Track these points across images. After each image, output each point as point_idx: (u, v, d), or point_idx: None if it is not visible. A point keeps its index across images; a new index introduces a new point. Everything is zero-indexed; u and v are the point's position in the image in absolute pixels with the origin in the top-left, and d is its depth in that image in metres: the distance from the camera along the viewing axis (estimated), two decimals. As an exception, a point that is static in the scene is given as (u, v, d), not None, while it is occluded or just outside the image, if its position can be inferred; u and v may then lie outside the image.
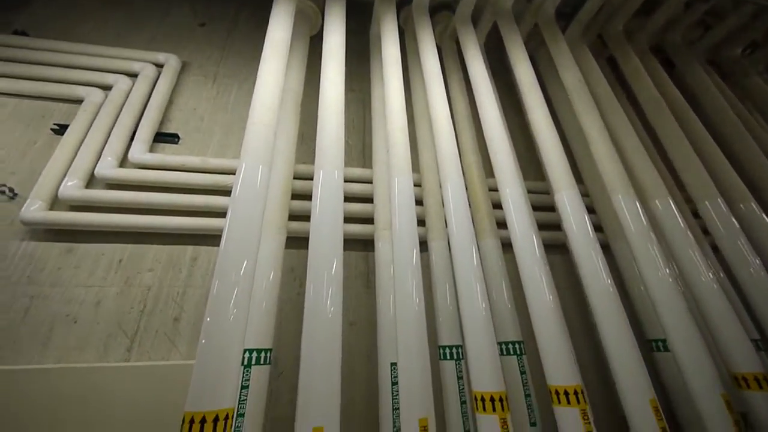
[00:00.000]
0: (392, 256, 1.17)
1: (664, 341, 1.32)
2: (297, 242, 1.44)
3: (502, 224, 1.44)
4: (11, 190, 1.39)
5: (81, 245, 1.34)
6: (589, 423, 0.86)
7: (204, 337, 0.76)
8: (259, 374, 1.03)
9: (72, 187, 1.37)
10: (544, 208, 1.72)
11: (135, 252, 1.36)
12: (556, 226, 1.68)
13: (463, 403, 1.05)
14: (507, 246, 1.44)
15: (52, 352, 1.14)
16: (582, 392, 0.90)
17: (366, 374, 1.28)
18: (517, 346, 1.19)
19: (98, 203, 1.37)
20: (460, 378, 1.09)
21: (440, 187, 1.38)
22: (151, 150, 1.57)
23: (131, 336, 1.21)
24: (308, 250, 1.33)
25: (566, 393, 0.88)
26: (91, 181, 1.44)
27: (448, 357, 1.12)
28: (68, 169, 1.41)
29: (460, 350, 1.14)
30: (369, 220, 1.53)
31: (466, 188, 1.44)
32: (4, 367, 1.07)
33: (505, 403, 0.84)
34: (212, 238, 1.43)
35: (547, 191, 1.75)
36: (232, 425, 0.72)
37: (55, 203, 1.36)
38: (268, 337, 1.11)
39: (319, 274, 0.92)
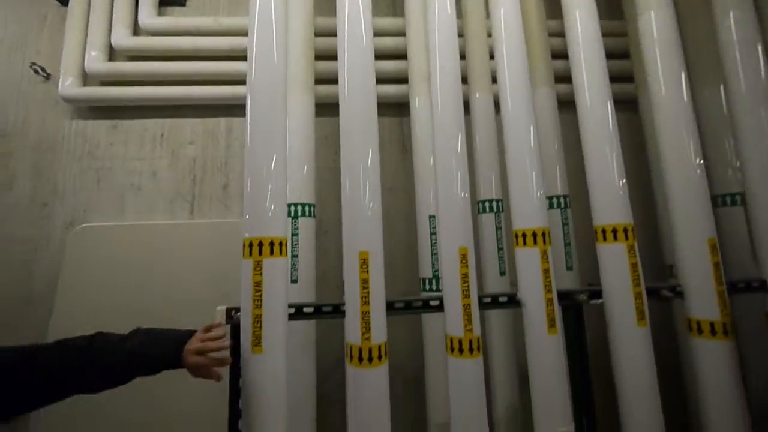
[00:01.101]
0: (431, 110, 1.06)
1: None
2: (328, 109, 1.36)
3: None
4: (43, 69, 1.38)
5: (124, 121, 1.38)
6: (635, 256, 0.85)
7: (249, 179, 0.79)
8: (306, 225, 1.11)
9: (95, 60, 1.33)
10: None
11: (174, 126, 1.38)
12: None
13: (500, 249, 1.09)
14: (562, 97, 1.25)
15: (129, 215, 1.31)
16: (632, 230, 0.87)
17: (404, 234, 1.35)
18: (562, 200, 1.15)
19: (125, 76, 1.34)
20: (498, 228, 1.10)
21: (487, 19, 1.14)
22: (159, 14, 1.43)
23: (190, 201, 1.33)
24: (339, 115, 1.27)
25: (614, 231, 0.86)
26: (112, 54, 1.39)
27: (488, 210, 1.11)
28: (86, 41, 1.35)
29: (500, 204, 1.12)
30: (402, 80, 1.37)
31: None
32: (95, 224, 1.25)
33: (547, 237, 0.84)
34: (241, 108, 1.39)
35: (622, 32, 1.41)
36: (287, 252, 0.80)
37: (87, 79, 1.35)
38: (310, 195, 1.15)
39: (353, 142, 0.84)
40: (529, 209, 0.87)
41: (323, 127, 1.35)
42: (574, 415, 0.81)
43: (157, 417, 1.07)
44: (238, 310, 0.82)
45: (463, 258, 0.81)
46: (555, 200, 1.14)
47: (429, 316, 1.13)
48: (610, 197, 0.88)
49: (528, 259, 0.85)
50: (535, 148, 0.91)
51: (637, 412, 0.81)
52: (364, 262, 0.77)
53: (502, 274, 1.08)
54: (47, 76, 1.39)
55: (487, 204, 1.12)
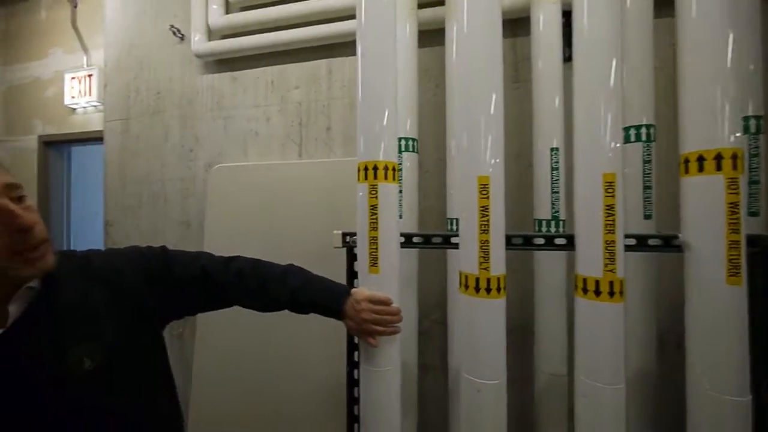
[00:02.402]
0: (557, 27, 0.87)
1: None
2: (429, 37, 1.25)
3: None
4: (178, 30, 1.58)
5: (241, 72, 1.51)
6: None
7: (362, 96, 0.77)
8: (410, 161, 1.08)
9: (216, 13, 1.46)
10: None
11: (280, 72, 1.45)
12: None
13: (647, 187, 0.88)
14: None
15: (250, 156, 1.47)
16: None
17: (513, 173, 1.20)
18: (645, 130, 0.87)
19: (240, 26, 1.45)
20: (646, 161, 0.88)
21: None
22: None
23: (298, 143, 1.42)
24: (445, 44, 1.15)
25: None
26: (228, 7, 1.50)
27: (634, 139, 0.90)
28: (208, -3, 1.48)
29: (651, 131, 0.89)
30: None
31: None
32: (226, 164, 1.45)
33: (739, 161, 0.62)
34: (340, 48, 1.38)
35: None
36: (396, 177, 0.78)
37: (210, 34, 1.50)
38: (413, 130, 1.10)
39: (473, 83, 0.72)
40: (709, 125, 0.65)
41: (423, 59, 1.25)
42: (753, 385, 0.64)
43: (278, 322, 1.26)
44: (351, 234, 0.85)
45: (609, 187, 0.67)
46: (636, 131, 0.87)
47: (541, 259, 1.02)
48: None
49: (703, 189, 0.66)
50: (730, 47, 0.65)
51: None
52: (483, 188, 0.70)
53: (647, 217, 0.88)
54: (182, 37, 1.59)
55: (633, 131, 0.90)
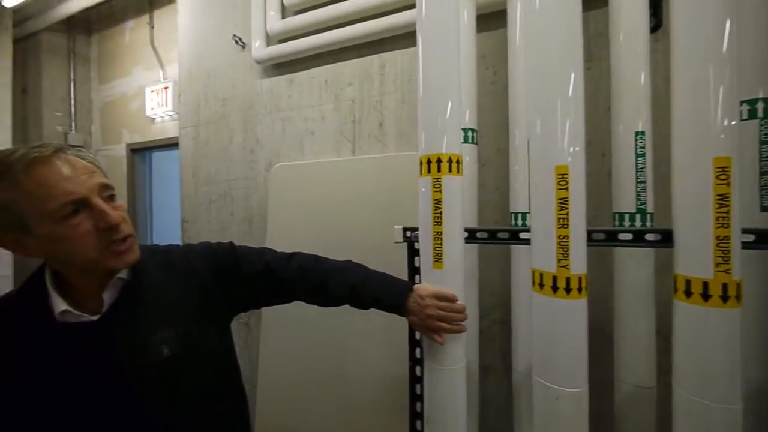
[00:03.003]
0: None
1: None
2: (486, 21, 1.18)
3: None
4: (240, 39, 1.69)
5: (296, 74, 1.57)
6: None
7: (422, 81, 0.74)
8: (469, 152, 1.03)
9: (273, 19, 1.53)
10: None
11: (334, 71, 1.48)
12: None
13: (764, 173, 0.74)
14: None
15: (306, 155, 1.53)
16: None
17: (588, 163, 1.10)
18: (762, 105, 0.69)
19: (295, 30, 1.50)
20: (764, 142, 0.74)
21: None
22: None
23: (351, 140, 1.44)
24: (507, 25, 1.08)
25: None
26: (284, 12, 1.56)
27: (746, 116, 0.75)
28: (266, 5, 1.56)
29: (771, 105, 0.74)
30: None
31: None
32: (285, 163, 1.52)
33: None
34: (392, 41, 1.36)
35: None
36: (460, 169, 0.74)
37: (269, 39, 1.58)
38: (472, 119, 1.05)
39: (548, 61, 0.66)
40: None
41: (480, 45, 1.18)
42: None
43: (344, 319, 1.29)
44: (412, 229, 0.84)
45: (722, 173, 0.57)
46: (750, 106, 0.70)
47: (623, 258, 0.91)
48: None
49: None
50: None
51: None
52: (562, 178, 0.63)
53: (765, 209, 0.74)
54: (243, 45, 1.70)
55: (746, 107, 0.76)
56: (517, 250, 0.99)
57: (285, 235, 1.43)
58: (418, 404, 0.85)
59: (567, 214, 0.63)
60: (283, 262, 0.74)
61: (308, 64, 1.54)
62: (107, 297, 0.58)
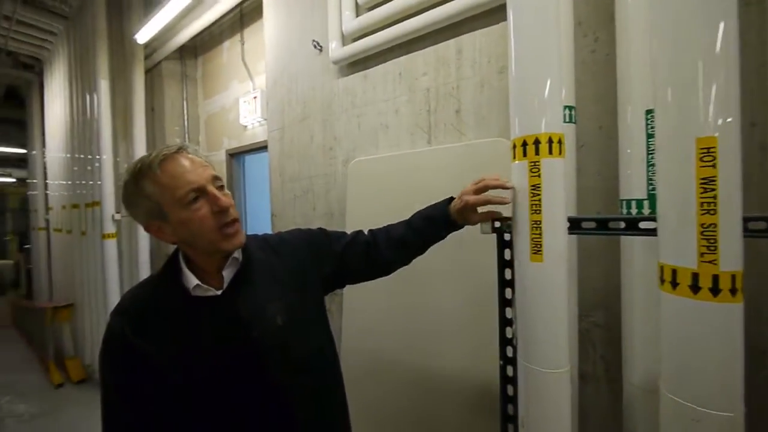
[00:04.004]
0: None
1: None
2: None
3: None
4: (318, 43, 1.79)
5: (370, 70, 1.60)
6: None
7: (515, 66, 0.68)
8: (567, 133, 0.91)
9: (348, 19, 1.57)
10: None
11: (407, 62, 1.47)
12: None
13: None
14: None
15: (381, 149, 1.55)
16: None
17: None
18: None
19: (370, 26, 1.52)
20: None
21: None
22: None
23: (427, 131, 1.41)
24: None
25: None
26: (357, 10, 1.60)
27: None
28: (341, 6, 1.62)
29: None
30: None
31: None
32: (361, 158, 1.57)
33: None
34: (469, 22, 1.29)
35: None
36: (562, 150, 0.66)
37: (344, 39, 1.64)
38: (570, 96, 0.93)
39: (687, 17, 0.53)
40: None
41: (576, 10, 1.04)
42: None
43: (424, 316, 1.29)
44: (502, 219, 0.78)
45: (707, 154, 0.39)
46: None
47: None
48: None
49: None
50: None
51: None
52: (707, 153, 0.51)
53: None
54: (321, 49, 1.79)
55: None
56: (629, 242, 0.85)
57: (364, 222, 1.47)
58: (510, 406, 0.80)
59: (714, 196, 0.51)
60: (359, 232, 0.88)
61: (381, 58, 1.55)
62: (226, 274, 0.68)
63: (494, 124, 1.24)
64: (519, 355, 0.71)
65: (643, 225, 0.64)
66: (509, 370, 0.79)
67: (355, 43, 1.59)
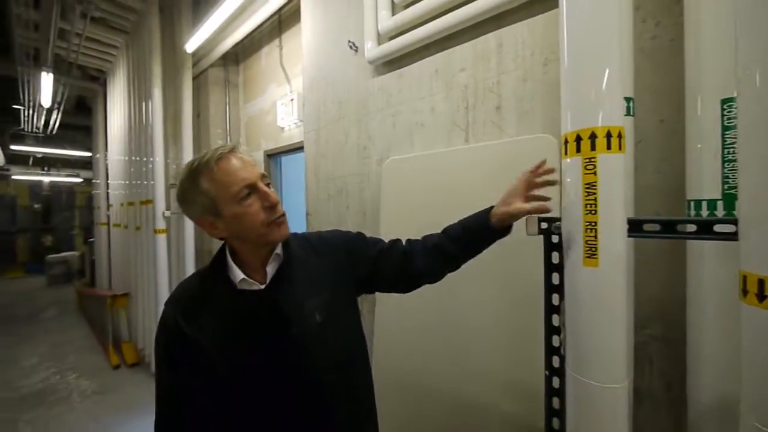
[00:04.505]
0: None
1: None
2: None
3: None
4: (354, 44, 1.81)
5: (405, 68, 1.58)
6: None
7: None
8: (625, 126, 0.84)
9: (384, 18, 1.57)
10: None
11: (445, 59, 1.43)
12: None
13: None
14: None
15: (416, 147, 1.53)
16: None
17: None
18: None
19: (405, 24, 1.51)
20: None
21: None
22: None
23: (464, 128, 1.37)
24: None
25: None
26: (393, 8, 1.59)
27: None
28: (377, 6, 1.62)
29: None
30: None
31: None
32: (396, 157, 1.56)
33: None
34: (510, 14, 1.23)
35: None
36: (622, 145, 0.60)
37: (380, 38, 1.64)
38: (627, 86, 0.86)
39: None
40: None
41: (634, -6, 0.95)
42: None
43: (457, 323, 1.25)
44: (549, 219, 0.73)
45: None
46: None
47: None
48: None
49: None
50: None
51: None
52: (806, 145, 0.44)
53: None
54: (356, 50, 1.81)
55: None
56: (698, 247, 0.76)
57: (397, 228, 1.46)
58: (555, 420, 0.74)
59: (817, 196, 0.44)
60: (397, 240, 0.85)
61: (417, 56, 1.53)
62: (269, 270, 0.70)
63: (538, 120, 1.17)
64: (568, 366, 0.66)
65: (719, 228, 0.57)
66: (555, 382, 0.74)
67: (391, 41, 1.58)
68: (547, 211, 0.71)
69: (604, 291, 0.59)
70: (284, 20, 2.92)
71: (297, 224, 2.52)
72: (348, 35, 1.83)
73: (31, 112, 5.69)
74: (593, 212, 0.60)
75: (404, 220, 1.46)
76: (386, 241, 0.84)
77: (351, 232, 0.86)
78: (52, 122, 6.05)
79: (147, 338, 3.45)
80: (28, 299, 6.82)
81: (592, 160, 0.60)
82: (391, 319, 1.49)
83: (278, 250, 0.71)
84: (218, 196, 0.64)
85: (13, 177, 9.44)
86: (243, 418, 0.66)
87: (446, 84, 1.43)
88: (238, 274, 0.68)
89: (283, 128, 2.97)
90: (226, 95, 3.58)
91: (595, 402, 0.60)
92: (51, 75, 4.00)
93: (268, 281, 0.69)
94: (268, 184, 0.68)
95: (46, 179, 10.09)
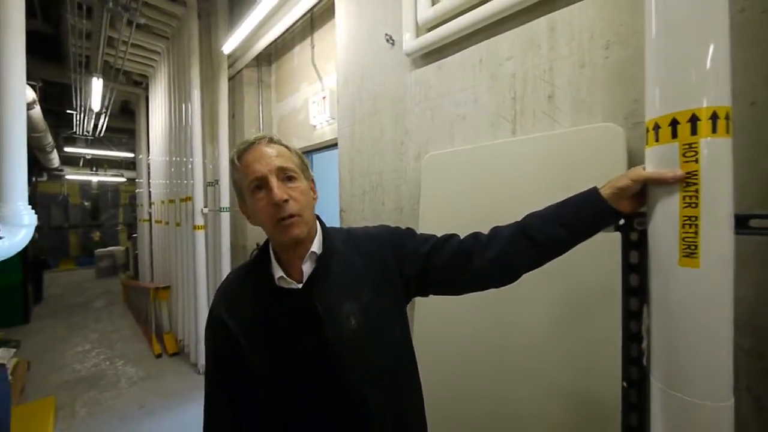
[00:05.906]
0: None
1: None
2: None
3: None
4: (391, 37, 1.77)
5: (445, 60, 1.53)
6: None
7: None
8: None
9: (424, 8, 1.52)
10: None
11: (489, 47, 1.36)
12: None
13: None
14: None
15: (457, 141, 1.47)
16: None
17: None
18: None
19: (446, 13, 1.45)
20: None
21: None
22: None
23: (511, 120, 1.30)
24: None
25: None
26: (435, -2, 1.54)
27: None
28: (416, -4, 1.57)
29: None
30: None
31: None
32: (436, 152, 1.51)
33: None
34: (568, -5, 1.15)
35: None
36: (729, 128, 0.52)
37: (418, 30, 1.59)
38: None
39: None
40: None
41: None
42: None
43: (507, 329, 1.19)
44: (630, 216, 0.66)
45: None
46: None
47: None
48: None
49: None
50: None
51: None
52: None
53: None
54: (393, 43, 1.77)
55: None
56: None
57: (439, 224, 1.40)
58: (633, 436, 0.67)
59: None
60: (453, 235, 0.75)
61: (458, 46, 1.47)
62: (305, 268, 0.67)
63: (597, 108, 1.08)
64: (655, 378, 0.59)
65: None
66: (633, 396, 0.66)
67: (430, 33, 1.53)
68: (682, 179, 0.53)
69: (708, 294, 0.52)
70: (316, 18, 2.93)
71: (330, 222, 2.53)
72: (384, 28, 1.80)
73: (82, 116, 6.14)
74: (693, 205, 0.53)
75: (446, 215, 1.41)
76: (443, 237, 0.76)
77: (400, 228, 0.80)
78: (100, 125, 6.50)
79: (186, 329, 3.62)
80: (80, 290, 7.39)
81: (693, 146, 0.53)
82: (428, 330, 1.44)
83: (315, 247, 0.68)
84: (242, 187, 0.66)
85: (66, 177, 10.27)
86: (282, 419, 0.63)
87: (491, 74, 1.36)
88: (278, 271, 0.66)
89: (314, 126, 2.99)
90: (259, 95, 3.67)
91: (695, 421, 0.53)
92: (101, 80, 4.28)
93: (304, 280, 0.66)
94: (289, 178, 0.64)
95: (95, 179, 10.89)
